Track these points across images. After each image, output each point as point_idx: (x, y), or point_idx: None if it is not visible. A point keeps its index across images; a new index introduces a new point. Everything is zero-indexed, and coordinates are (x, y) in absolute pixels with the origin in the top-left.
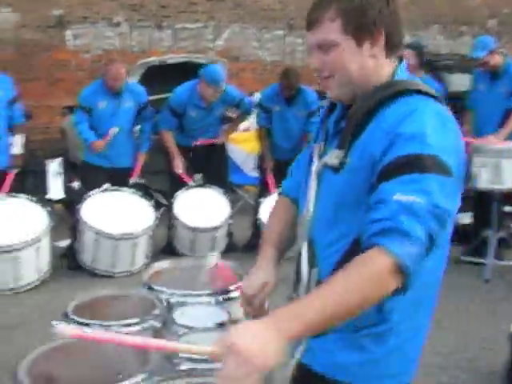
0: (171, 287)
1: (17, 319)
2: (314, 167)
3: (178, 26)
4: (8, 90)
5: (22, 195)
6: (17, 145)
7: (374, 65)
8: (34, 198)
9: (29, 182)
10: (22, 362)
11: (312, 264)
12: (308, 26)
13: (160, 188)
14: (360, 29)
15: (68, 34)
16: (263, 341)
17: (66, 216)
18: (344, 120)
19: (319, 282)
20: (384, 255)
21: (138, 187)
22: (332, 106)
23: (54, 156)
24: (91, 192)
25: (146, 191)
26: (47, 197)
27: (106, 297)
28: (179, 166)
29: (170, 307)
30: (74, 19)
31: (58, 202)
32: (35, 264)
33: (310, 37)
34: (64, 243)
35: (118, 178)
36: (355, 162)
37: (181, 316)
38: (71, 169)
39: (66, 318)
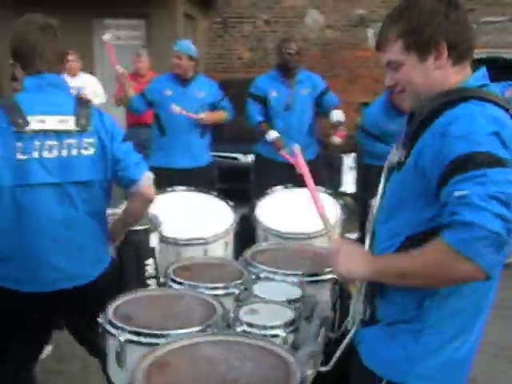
0: (265, 264)
1: None
2: (386, 164)
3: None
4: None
5: (318, 187)
6: (338, 116)
7: (440, 75)
8: (328, 191)
9: (323, 174)
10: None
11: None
12: (377, 48)
13: None
14: (420, 46)
15: (370, 32)
16: (356, 258)
17: (355, 210)
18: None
19: None
20: (441, 244)
21: None
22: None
23: (348, 151)
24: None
25: None
26: (341, 190)
27: (205, 264)
28: None
29: (255, 281)
30: (377, 18)
31: (349, 195)
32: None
33: (381, 57)
34: (353, 236)
35: None
36: (410, 162)
37: (259, 288)
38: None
39: (166, 276)
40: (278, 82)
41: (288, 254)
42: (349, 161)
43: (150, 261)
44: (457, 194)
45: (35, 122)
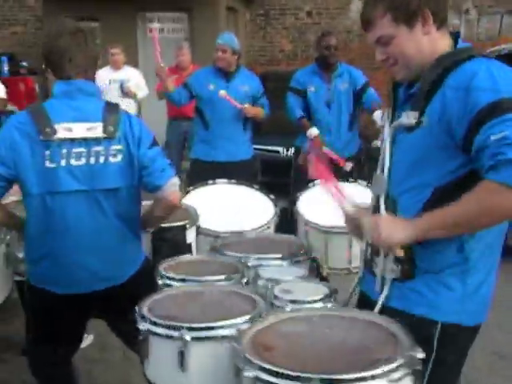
0: (245, 252)
1: None
2: (386, 131)
3: None
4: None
5: (361, 181)
6: (379, 119)
7: (428, 41)
8: (370, 185)
9: (366, 168)
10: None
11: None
12: (365, 28)
13: None
14: (408, 16)
15: None
16: (397, 224)
17: None
18: (413, 87)
19: None
20: (490, 184)
21: None
22: (399, 84)
23: None
24: None
25: None
26: None
27: (195, 260)
28: None
29: (248, 267)
30: None
31: None
32: None
33: (370, 36)
34: None
35: None
36: (430, 120)
37: (264, 272)
38: None
39: (159, 276)
40: (316, 76)
41: (252, 242)
42: None
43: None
44: (493, 137)
45: (62, 130)
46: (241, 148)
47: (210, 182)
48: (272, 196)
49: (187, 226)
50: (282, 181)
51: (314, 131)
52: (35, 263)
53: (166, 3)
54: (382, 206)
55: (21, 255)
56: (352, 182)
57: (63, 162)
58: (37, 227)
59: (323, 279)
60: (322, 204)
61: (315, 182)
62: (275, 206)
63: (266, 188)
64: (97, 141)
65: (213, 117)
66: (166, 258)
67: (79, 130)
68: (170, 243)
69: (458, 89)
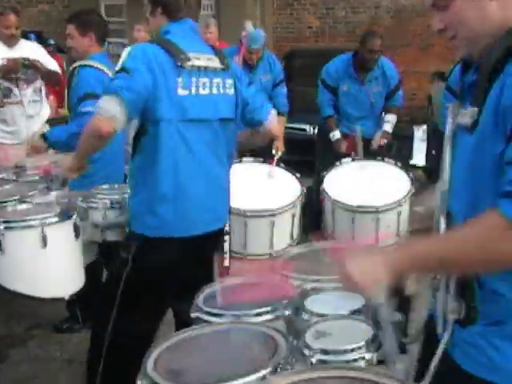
0: (302, 273)
1: None
2: (448, 129)
3: None
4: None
5: (388, 160)
6: (390, 123)
7: (498, 7)
8: (399, 163)
9: (394, 146)
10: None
11: None
12: None
13: None
14: None
15: None
16: (370, 270)
17: (426, 183)
18: (476, 73)
19: None
20: (497, 215)
21: None
22: (467, 63)
23: (420, 122)
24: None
25: None
26: (411, 162)
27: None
28: None
29: (302, 294)
30: None
31: (420, 168)
32: (394, 227)
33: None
34: (421, 209)
35: None
36: (485, 118)
37: (313, 303)
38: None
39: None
40: (350, 75)
41: (318, 258)
42: (419, 133)
43: (226, 237)
44: None
45: (194, 59)
46: None
47: (237, 160)
48: (298, 175)
49: None
50: (309, 159)
51: (336, 135)
52: (159, 204)
53: None
54: (442, 226)
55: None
56: (379, 160)
57: (193, 90)
58: (167, 159)
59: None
60: (349, 182)
61: (342, 160)
62: (301, 184)
63: (292, 166)
64: (216, 72)
65: None
66: None
67: (204, 59)
68: None
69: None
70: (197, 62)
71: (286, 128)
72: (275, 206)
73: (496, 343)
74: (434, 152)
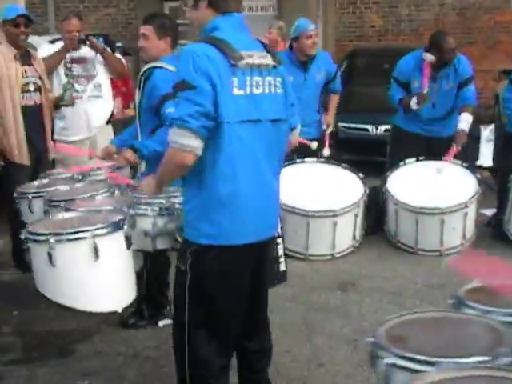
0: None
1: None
2: None
3: None
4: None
5: (455, 161)
6: (466, 122)
7: None
8: (465, 164)
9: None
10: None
11: None
12: None
13: None
14: None
15: None
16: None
17: (492, 184)
18: None
19: None
20: None
21: None
22: None
23: (487, 122)
24: None
25: None
26: (478, 163)
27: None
28: None
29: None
30: None
31: (486, 169)
32: (460, 229)
33: None
34: (490, 211)
35: None
36: None
37: None
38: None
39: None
40: (421, 72)
41: None
42: (487, 132)
43: (279, 240)
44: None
45: (247, 57)
46: (312, 128)
47: (299, 160)
48: (361, 175)
49: None
50: (371, 159)
51: (413, 99)
52: (216, 210)
53: None
54: None
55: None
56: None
57: (248, 90)
58: (226, 162)
59: None
60: (413, 183)
61: (406, 160)
62: (364, 185)
63: (355, 166)
64: (268, 70)
65: None
66: None
67: (257, 57)
68: None
69: None
70: (250, 60)
71: (348, 128)
72: (338, 207)
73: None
74: (501, 153)
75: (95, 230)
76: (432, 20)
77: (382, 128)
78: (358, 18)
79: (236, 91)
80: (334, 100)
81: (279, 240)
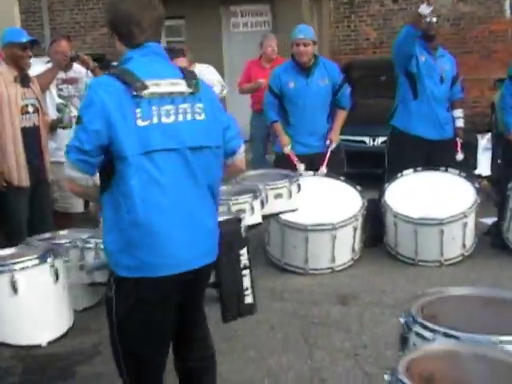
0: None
1: None
2: None
3: None
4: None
5: (452, 170)
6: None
7: None
8: (463, 173)
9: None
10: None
11: None
12: None
13: None
14: None
15: (506, 4)
16: None
17: (491, 193)
18: None
19: None
20: None
21: None
22: None
23: (483, 131)
24: None
25: None
26: (476, 172)
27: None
28: None
29: None
30: None
31: (485, 178)
32: (460, 239)
33: None
34: (489, 220)
35: None
36: None
37: None
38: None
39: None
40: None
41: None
42: (484, 141)
43: (243, 250)
44: None
45: (152, 86)
46: (319, 141)
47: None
48: (359, 187)
49: (242, 219)
50: (368, 171)
51: None
52: (131, 243)
53: None
54: None
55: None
56: (443, 170)
57: (155, 120)
58: (135, 196)
59: None
60: (412, 194)
61: (403, 172)
62: (362, 197)
63: (352, 179)
64: (183, 97)
65: (294, 112)
66: (222, 250)
67: (166, 85)
68: (227, 236)
69: None
70: (157, 89)
71: (345, 141)
72: (336, 220)
73: None
74: (499, 161)
75: (14, 264)
76: None
77: (380, 140)
78: (352, 31)
79: (140, 122)
80: (341, 116)
81: (245, 272)
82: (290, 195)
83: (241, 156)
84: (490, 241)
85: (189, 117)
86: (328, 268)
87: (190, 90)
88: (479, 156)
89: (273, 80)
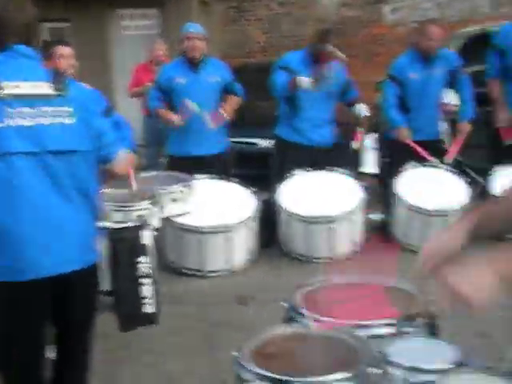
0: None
1: None
2: None
3: None
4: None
5: (339, 169)
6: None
7: None
8: (350, 172)
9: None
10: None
11: None
12: None
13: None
14: None
15: (386, 9)
16: (479, 283)
17: (378, 190)
18: None
19: None
20: None
21: (454, 163)
22: None
23: (369, 131)
24: (404, 167)
25: (460, 168)
26: (362, 170)
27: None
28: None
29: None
30: None
31: (372, 176)
32: (349, 235)
33: None
34: (377, 216)
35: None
36: None
37: (396, 353)
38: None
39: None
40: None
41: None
42: (369, 141)
43: (142, 258)
44: None
45: (10, 87)
46: (213, 142)
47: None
48: (253, 189)
49: (143, 226)
50: (261, 173)
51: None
52: None
53: None
54: None
55: None
56: (329, 169)
57: (11, 122)
58: None
59: None
60: (302, 193)
61: (294, 172)
62: (256, 198)
63: (245, 181)
64: (47, 99)
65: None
66: (123, 257)
67: (27, 87)
68: (127, 243)
69: None
70: (13, 91)
71: (237, 143)
72: (231, 222)
73: None
74: (384, 160)
75: None
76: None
77: (270, 141)
78: (241, 35)
79: None
80: (233, 100)
81: (145, 280)
82: (183, 199)
83: (120, 162)
84: (378, 236)
85: (52, 120)
86: (225, 270)
87: (57, 93)
88: (365, 155)
89: (161, 76)
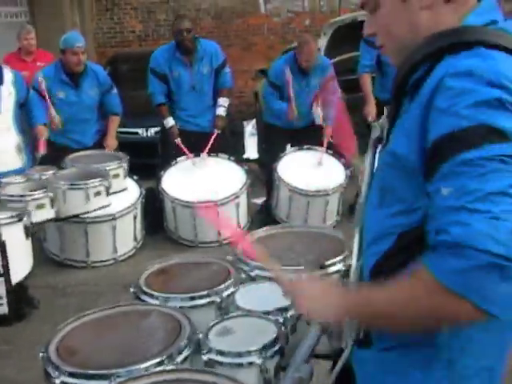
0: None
1: None
2: (371, 139)
3: None
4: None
5: (222, 155)
6: (223, 107)
7: (429, 18)
8: (232, 158)
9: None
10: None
11: (358, 257)
12: None
13: None
14: None
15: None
16: (326, 302)
17: (260, 175)
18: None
19: (361, 280)
20: (428, 274)
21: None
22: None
23: (249, 118)
24: (284, 152)
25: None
26: (244, 156)
27: (187, 264)
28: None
29: (245, 280)
30: None
31: (252, 161)
32: (235, 218)
33: None
34: (260, 200)
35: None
36: (391, 139)
37: (243, 295)
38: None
39: (136, 287)
40: (177, 61)
41: (289, 241)
42: (249, 128)
43: None
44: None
45: None
46: (92, 136)
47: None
48: (135, 177)
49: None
50: (143, 161)
51: (170, 121)
52: None
53: None
54: (355, 247)
55: None
56: (214, 155)
57: None
58: None
59: None
60: (188, 180)
61: (178, 159)
62: (140, 186)
63: (130, 170)
64: None
65: (67, 114)
66: None
67: None
68: None
69: (419, 102)
70: None
71: (120, 133)
72: (115, 210)
73: (389, 368)
74: (263, 145)
75: None
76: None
77: (152, 130)
78: (116, 24)
79: None
80: (114, 121)
81: None
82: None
83: None
84: (263, 218)
85: None
86: (111, 259)
87: None
88: (246, 141)
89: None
